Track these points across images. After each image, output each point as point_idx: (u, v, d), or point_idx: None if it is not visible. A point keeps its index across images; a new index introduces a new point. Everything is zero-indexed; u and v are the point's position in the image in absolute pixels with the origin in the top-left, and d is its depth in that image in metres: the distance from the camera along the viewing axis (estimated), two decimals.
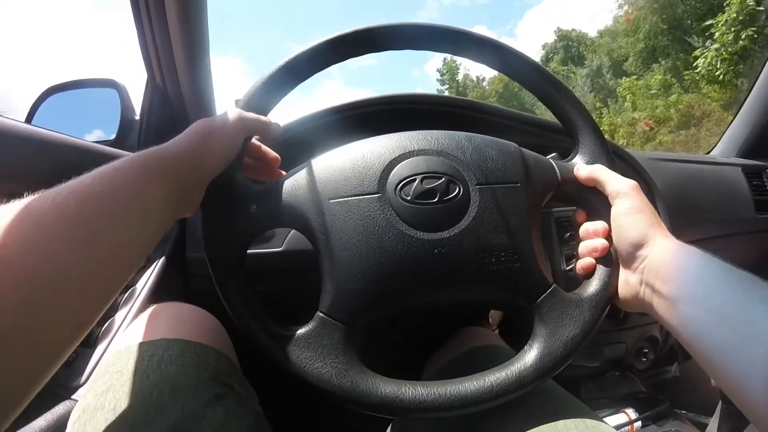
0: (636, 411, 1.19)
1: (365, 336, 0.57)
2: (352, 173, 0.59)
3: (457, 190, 0.58)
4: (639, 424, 1.16)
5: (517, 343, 0.75)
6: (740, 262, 0.49)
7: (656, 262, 0.54)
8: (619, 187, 0.61)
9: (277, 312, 0.57)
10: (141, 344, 0.56)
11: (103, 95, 1.15)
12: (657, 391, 1.34)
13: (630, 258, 0.58)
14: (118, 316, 0.73)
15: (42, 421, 0.59)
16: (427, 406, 0.53)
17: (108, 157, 0.81)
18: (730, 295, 0.46)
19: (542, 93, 0.70)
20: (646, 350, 1.25)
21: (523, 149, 0.65)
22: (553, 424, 0.54)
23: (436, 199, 0.58)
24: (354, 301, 0.55)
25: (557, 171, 0.65)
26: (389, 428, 0.79)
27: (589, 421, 0.55)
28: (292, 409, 1.12)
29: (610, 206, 0.61)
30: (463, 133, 0.64)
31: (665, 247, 0.55)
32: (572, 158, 0.68)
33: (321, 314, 0.55)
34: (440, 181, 0.58)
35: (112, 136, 1.09)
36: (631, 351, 1.23)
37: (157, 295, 0.78)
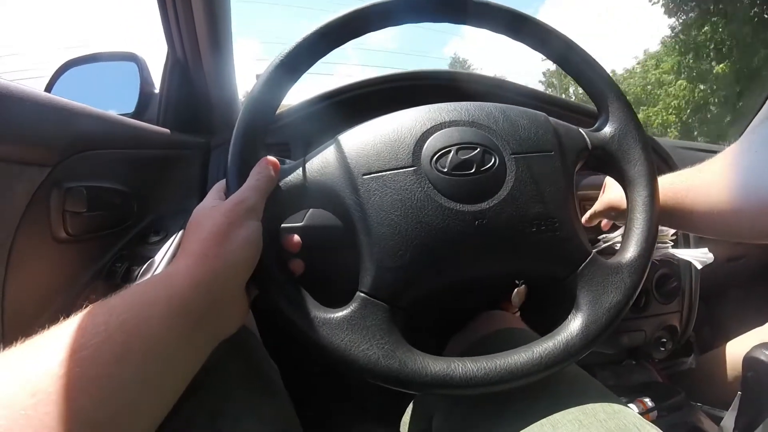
0: (652, 400, 1.18)
1: (407, 314, 0.56)
2: (384, 147, 0.57)
3: (493, 160, 0.57)
4: (655, 413, 1.15)
5: (539, 327, 0.74)
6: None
7: None
8: None
9: (307, 286, 0.56)
10: None
11: (122, 69, 1.15)
12: (673, 382, 1.32)
13: None
14: None
15: None
16: (478, 382, 0.52)
17: (126, 127, 0.83)
18: None
19: (569, 65, 0.69)
20: (665, 340, 1.24)
21: (551, 118, 0.64)
22: (581, 407, 0.53)
23: (473, 170, 0.56)
24: (397, 279, 0.54)
25: (587, 139, 0.64)
26: (411, 403, 0.79)
27: (615, 406, 0.54)
28: (313, 385, 1.12)
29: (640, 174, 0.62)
30: (491, 103, 0.63)
31: None
32: (600, 127, 0.67)
33: (362, 294, 0.54)
34: (476, 151, 0.57)
35: (131, 110, 1.08)
36: (650, 340, 1.21)
37: None
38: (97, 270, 0.76)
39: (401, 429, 0.81)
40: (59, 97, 0.70)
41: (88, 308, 0.40)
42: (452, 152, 0.57)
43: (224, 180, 0.58)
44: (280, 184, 0.56)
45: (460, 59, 43.57)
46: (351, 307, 0.53)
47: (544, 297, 0.99)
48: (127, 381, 0.38)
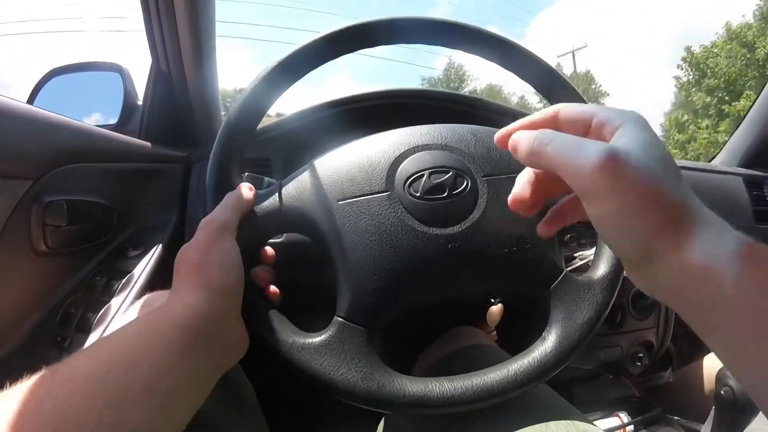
0: (629, 415, 1.19)
1: (384, 336, 0.56)
2: (358, 173, 0.58)
3: (465, 183, 0.58)
4: (632, 428, 1.16)
5: (514, 344, 0.75)
6: None
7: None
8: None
9: (284, 309, 0.56)
10: None
11: (106, 79, 1.15)
12: (650, 396, 1.34)
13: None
14: (114, 303, 0.73)
15: None
16: (455, 401, 0.52)
17: (108, 141, 0.83)
18: None
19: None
20: (641, 355, 1.25)
21: None
22: (544, 424, 0.54)
23: (446, 194, 0.57)
24: (373, 303, 0.55)
25: None
26: (381, 422, 0.79)
27: (580, 425, 0.55)
28: (286, 401, 1.12)
29: None
30: (465, 125, 0.64)
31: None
32: None
33: (340, 319, 0.54)
34: (448, 175, 0.58)
35: (114, 121, 1.08)
36: (626, 355, 1.22)
37: (154, 283, 0.78)
38: (76, 283, 0.76)
39: None
40: (41, 108, 0.71)
41: (94, 342, 0.41)
42: (425, 176, 0.57)
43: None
44: (256, 210, 0.57)
45: (455, 65, 43.52)
46: (329, 331, 0.54)
47: (519, 315, 1.00)
48: (131, 412, 0.38)
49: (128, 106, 1.09)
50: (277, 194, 0.58)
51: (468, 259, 0.57)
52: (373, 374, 0.52)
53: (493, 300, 0.86)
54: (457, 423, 0.59)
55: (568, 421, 0.55)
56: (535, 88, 0.69)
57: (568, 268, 0.60)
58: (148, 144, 0.94)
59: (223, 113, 1.17)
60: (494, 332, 1.03)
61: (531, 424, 0.54)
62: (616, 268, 0.61)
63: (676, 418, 1.25)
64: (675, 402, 1.31)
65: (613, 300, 0.60)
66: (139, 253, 0.81)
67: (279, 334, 0.53)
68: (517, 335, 0.66)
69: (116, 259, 0.81)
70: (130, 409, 0.37)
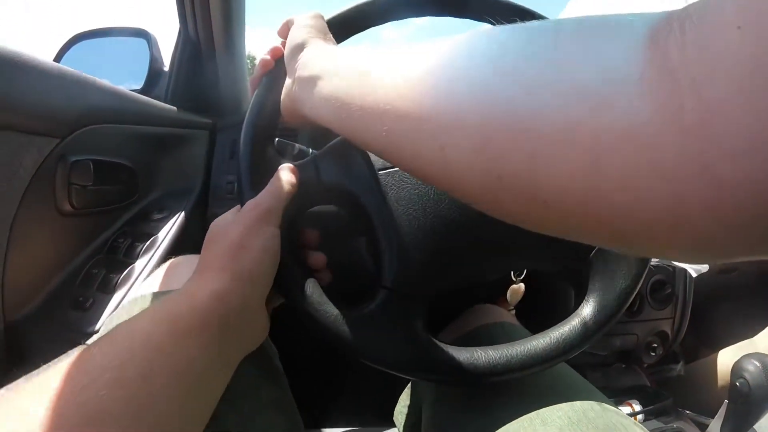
0: (639, 403, 1.19)
1: (429, 306, 0.56)
2: None
3: None
4: (642, 416, 1.15)
5: (533, 324, 0.75)
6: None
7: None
8: None
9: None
10: (159, 293, 0.56)
11: (132, 45, 1.15)
12: (660, 388, 1.33)
13: None
14: (138, 265, 0.73)
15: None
16: (501, 369, 0.52)
17: (135, 103, 0.83)
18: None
19: None
20: (656, 345, 1.24)
21: None
22: (570, 404, 0.54)
23: None
24: (418, 272, 0.54)
25: None
26: (408, 386, 0.79)
27: (604, 405, 0.54)
28: (311, 369, 1.12)
29: None
30: None
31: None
32: None
33: (386, 289, 0.54)
34: None
35: (139, 87, 1.08)
36: (641, 344, 1.22)
37: (178, 248, 0.78)
38: (99, 244, 0.77)
39: (394, 419, 0.82)
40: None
41: (111, 330, 0.39)
42: None
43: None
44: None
45: None
46: (375, 302, 0.53)
47: (539, 294, 1.00)
48: (155, 399, 0.37)
49: (153, 72, 1.09)
50: (313, 166, 0.57)
51: (512, 230, 0.56)
52: (421, 344, 0.52)
53: (514, 278, 0.86)
54: (478, 397, 0.59)
55: (593, 402, 0.54)
56: None
57: None
58: (174, 108, 0.93)
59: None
60: (513, 311, 1.03)
61: (556, 402, 0.54)
62: None
63: (685, 411, 1.24)
64: (685, 395, 1.31)
65: (646, 270, 0.60)
66: (163, 217, 0.81)
67: (323, 307, 0.52)
68: (537, 314, 0.65)
69: (140, 222, 0.81)
70: (152, 400, 0.36)
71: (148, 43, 1.11)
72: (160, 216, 0.82)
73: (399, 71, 0.33)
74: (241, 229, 0.48)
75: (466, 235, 0.55)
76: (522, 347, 0.54)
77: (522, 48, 0.26)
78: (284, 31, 0.57)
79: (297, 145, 0.65)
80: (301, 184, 0.55)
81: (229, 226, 0.50)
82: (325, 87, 0.43)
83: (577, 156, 0.23)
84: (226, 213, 0.54)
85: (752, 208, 0.19)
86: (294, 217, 0.56)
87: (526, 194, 0.26)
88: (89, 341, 0.59)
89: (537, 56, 0.25)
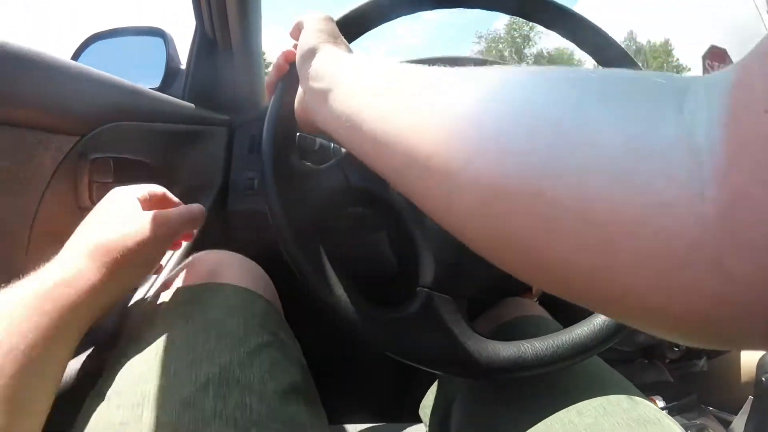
0: (663, 399, 1.18)
1: (468, 303, 0.55)
2: None
3: None
4: (665, 412, 1.14)
5: (557, 315, 0.74)
6: None
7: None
8: None
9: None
10: (183, 288, 0.55)
11: (148, 44, 1.15)
12: (683, 384, 1.32)
13: None
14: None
15: (75, 362, 0.59)
16: (548, 360, 0.52)
17: (154, 100, 0.82)
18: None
19: (583, 42, 0.66)
20: None
21: None
22: (605, 397, 0.54)
23: None
24: (459, 271, 0.54)
25: None
26: (435, 383, 0.79)
27: (637, 398, 0.54)
28: (333, 363, 1.12)
29: None
30: None
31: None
32: None
33: (426, 290, 0.54)
34: None
35: (156, 85, 1.08)
36: (665, 339, 1.21)
37: (198, 244, 0.78)
38: None
39: (420, 413, 0.81)
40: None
41: None
42: None
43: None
44: (322, 188, 0.55)
45: (519, 21, 42.19)
46: (416, 303, 0.53)
47: None
48: (32, 389, 0.38)
49: (170, 70, 1.09)
50: (341, 171, 0.56)
51: None
52: (466, 342, 0.52)
53: None
54: (512, 391, 0.59)
55: (627, 395, 0.55)
56: (591, 56, 0.66)
57: None
58: (192, 106, 0.93)
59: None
60: (537, 301, 1.02)
61: (592, 395, 0.54)
62: None
63: (709, 408, 1.23)
64: (708, 392, 1.29)
65: None
66: None
67: (365, 312, 0.51)
68: (560, 305, 0.64)
69: None
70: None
71: (165, 41, 1.11)
72: None
73: (413, 102, 0.32)
74: (141, 238, 0.50)
75: None
76: (566, 337, 0.54)
77: (543, 105, 0.25)
78: (296, 33, 0.57)
79: (318, 139, 0.65)
80: (330, 190, 0.55)
81: (128, 221, 0.51)
82: (335, 102, 0.42)
83: (589, 231, 0.22)
84: (131, 188, 0.56)
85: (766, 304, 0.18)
86: (325, 223, 0.56)
87: (530, 257, 0.25)
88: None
89: (559, 117, 0.24)
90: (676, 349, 1.24)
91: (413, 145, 0.30)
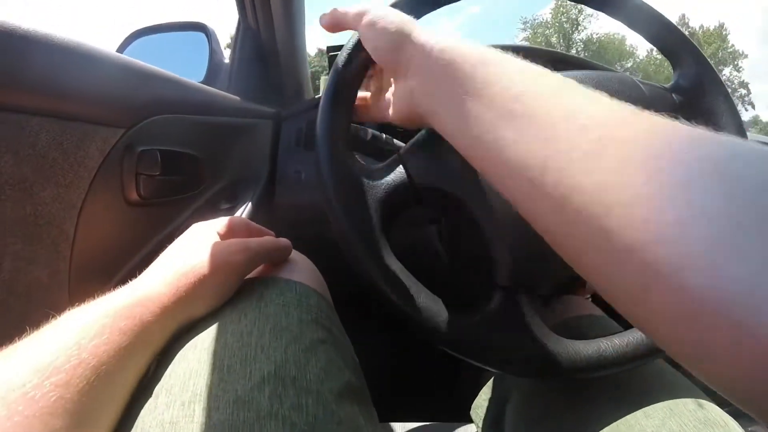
0: (716, 403, 1.13)
1: (546, 301, 0.53)
2: None
3: None
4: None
5: (608, 311, 0.71)
6: None
7: None
8: None
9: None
10: None
11: (190, 39, 1.15)
12: None
13: None
14: None
15: None
16: (630, 357, 0.50)
17: (200, 93, 0.82)
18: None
19: (636, 22, 0.64)
20: None
21: (633, 78, 0.61)
22: (671, 399, 0.52)
23: None
24: (534, 267, 0.52)
25: (672, 95, 0.61)
26: (490, 381, 0.77)
27: (702, 401, 0.53)
28: (381, 361, 1.10)
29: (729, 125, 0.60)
30: (579, 71, 0.59)
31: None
32: (680, 83, 0.63)
33: (502, 287, 0.51)
34: None
35: (199, 80, 1.08)
36: None
37: None
38: (167, 234, 0.76)
39: (472, 414, 0.80)
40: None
41: (61, 323, 0.40)
42: None
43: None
44: (383, 186, 0.52)
45: (567, 6, 41.59)
46: (493, 303, 0.51)
47: None
48: (99, 406, 0.38)
49: (214, 65, 1.09)
50: (401, 166, 0.53)
51: None
52: (545, 342, 0.50)
53: None
54: (575, 391, 0.58)
55: (692, 400, 0.52)
56: (648, 41, 0.64)
57: None
58: (238, 99, 0.93)
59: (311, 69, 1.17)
60: (589, 299, 1.00)
61: (658, 397, 0.53)
62: None
63: None
64: None
65: None
66: (230, 207, 0.81)
67: (442, 317, 0.49)
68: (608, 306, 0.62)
69: (208, 212, 0.80)
70: (100, 400, 0.39)
71: (207, 36, 1.11)
72: (227, 206, 0.81)
73: (594, 153, 0.28)
74: (221, 264, 0.49)
75: None
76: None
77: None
78: (335, 23, 0.55)
79: (369, 129, 0.63)
80: (392, 186, 0.53)
81: (205, 248, 0.50)
82: (463, 113, 0.39)
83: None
84: (211, 222, 0.56)
85: None
86: (388, 221, 0.53)
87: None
88: None
89: None
90: None
91: (596, 214, 0.27)
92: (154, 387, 0.43)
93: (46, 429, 0.33)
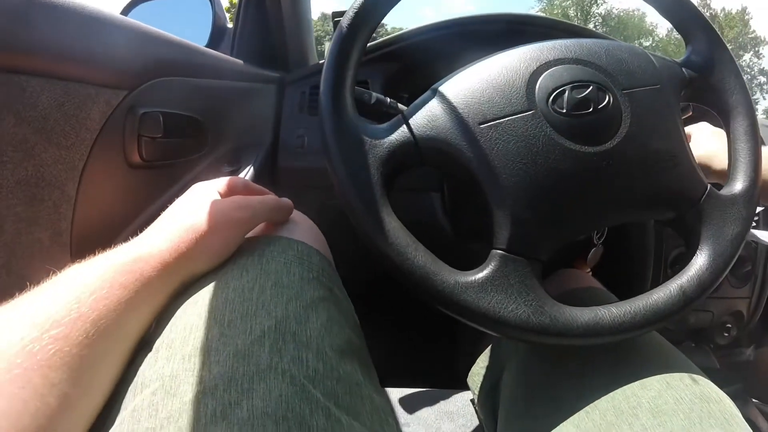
0: None
1: (544, 266, 0.53)
2: (495, 93, 0.53)
3: (608, 97, 0.53)
4: None
5: (610, 286, 0.71)
6: None
7: None
8: None
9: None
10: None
11: (193, 4, 1.14)
12: (729, 372, 1.29)
13: None
14: None
15: None
16: (627, 326, 0.51)
17: (202, 56, 0.81)
18: None
19: (673, 19, 0.64)
20: (730, 325, 1.19)
21: (645, 51, 0.60)
22: (668, 371, 0.52)
23: (591, 109, 0.52)
24: (534, 231, 0.51)
25: (683, 70, 0.61)
26: (486, 351, 0.77)
27: (698, 376, 0.53)
28: (381, 325, 1.11)
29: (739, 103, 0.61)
30: (588, 39, 0.59)
31: None
32: (692, 58, 0.63)
33: (500, 251, 0.51)
34: (590, 89, 0.53)
35: (203, 45, 1.07)
36: (716, 323, 1.17)
37: None
38: (169, 197, 0.75)
39: (468, 381, 0.80)
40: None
41: (61, 278, 0.40)
42: (567, 92, 0.52)
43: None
44: (386, 145, 0.52)
45: None
46: (491, 266, 0.50)
47: (618, 257, 0.97)
48: (98, 359, 0.38)
49: (217, 30, 1.07)
50: (405, 126, 0.53)
51: (624, 177, 0.53)
52: (542, 307, 0.50)
53: (595, 241, 0.83)
54: (573, 360, 0.58)
55: (687, 375, 0.52)
56: (661, 14, 0.64)
57: None
58: (241, 62, 0.92)
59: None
60: (590, 272, 1.00)
61: (655, 369, 0.53)
62: (755, 181, 0.58)
63: (754, 400, 1.20)
64: (752, 382, 1.26)
65: (755, 214, 0.58)
66: (233, 170, 0.81)
67: (440, 276, 0.49)
68: (615, 279, 0.63)
69: (211, 175, 0.79)
70: (100, 355, 0.39)
71: (211, 1, 1.10)
72: (230, 169, 0.81)
73: None
74: (221, 217, 0.50)
75: (582, 188, 0.52)
76: (643, 303, 0.51)
77: None
78: None
79: (374, 93, 0.62)
80: (395, 144, 0.52)
81: (205, 206, 0.51)
82: None
83: None
84: (211, 182, 0.57)
85: None
86: (391, 183, 0.53)
87: None
88: None
89: None
90: (726, 335, 1.20)
91: None
92: (155, 341, 0.43)
93: (45, 382, 0.34)
